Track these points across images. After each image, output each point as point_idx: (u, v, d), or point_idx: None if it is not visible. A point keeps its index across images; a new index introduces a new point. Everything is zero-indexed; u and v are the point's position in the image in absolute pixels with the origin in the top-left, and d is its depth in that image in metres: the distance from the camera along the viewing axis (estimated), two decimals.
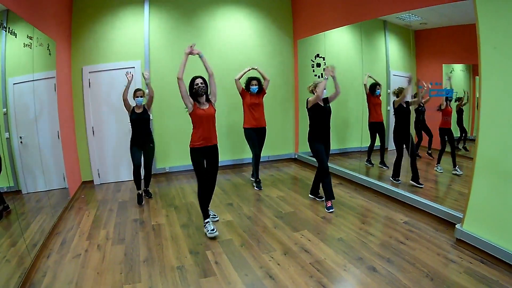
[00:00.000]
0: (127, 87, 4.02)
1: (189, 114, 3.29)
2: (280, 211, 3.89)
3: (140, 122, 4.10)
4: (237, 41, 5.71)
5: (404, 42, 4.58)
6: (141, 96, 4.10)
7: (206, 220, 3.34)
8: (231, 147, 5.83)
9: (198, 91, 3.23)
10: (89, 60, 4.74)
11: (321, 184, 4.10)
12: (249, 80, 4.63)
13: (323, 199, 4.10)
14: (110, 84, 4.84)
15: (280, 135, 6.18)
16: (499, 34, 2.53)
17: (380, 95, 4.61)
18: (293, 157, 6.50)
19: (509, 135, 2.54)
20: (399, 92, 4.06)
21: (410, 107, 4.03)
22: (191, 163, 3.43)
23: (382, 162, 4.83)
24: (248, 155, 5.60)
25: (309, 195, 4.30)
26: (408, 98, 4.01)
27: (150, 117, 4.23)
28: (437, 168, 4.21)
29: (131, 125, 4.12)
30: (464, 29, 3.66)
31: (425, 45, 4.07)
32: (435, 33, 3.97)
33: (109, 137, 4.95)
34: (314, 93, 3.88)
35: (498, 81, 2.56)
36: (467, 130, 4.03)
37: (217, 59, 5.46)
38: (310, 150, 4.09)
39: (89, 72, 4.71)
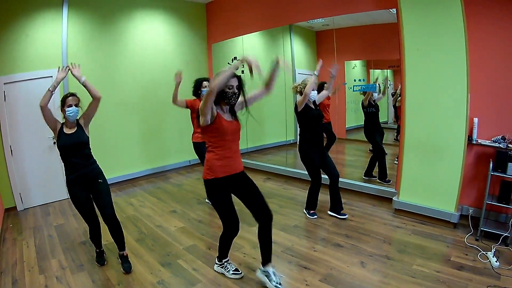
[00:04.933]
0: (52, 91, 2.58)
1: (204, 127, 2.27)
2: None
3: (76, 148, 2.65)
4: (154, 45, 5.68)
5: (307, 43, 5.13)
6: (75, 105, 2.66)
7: (225, 259, 2.69)
8: (150, 155, 5.78)
9: (230, 98, 2.26)
10: (4, 69, 4.06)
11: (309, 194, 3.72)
12: (200, 82, 3.87)
13: (346, 216, 3.61)
14: (28, 96, 4.22)
15: None
16: (420, 37, 3.15)
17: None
18: None
19: (430, 120, 3.22)
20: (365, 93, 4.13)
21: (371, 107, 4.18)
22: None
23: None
24: (169, 161, 5.97)
25: (329, 211, 3.72)
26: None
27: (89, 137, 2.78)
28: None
29: (61, 154, 2.66)
30: (362, 29, 4.34)
31: (327, 44, 4.55)
32: (337, 33, 4.43)
33: (30, 155, 4.33)
34: (302, 93, 3.39)
35: (419, 77, 3.20)
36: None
37: (135, 64, 5.43)
38: (301, 160, 3.63)
39: (4, 84, 4.03)
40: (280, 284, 2.37)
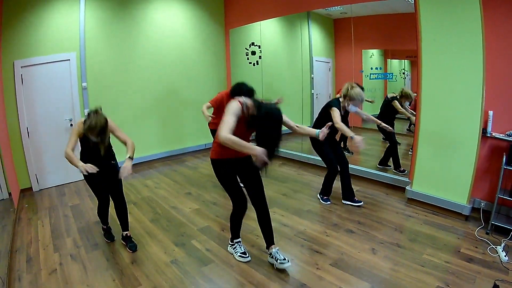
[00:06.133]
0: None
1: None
2: None
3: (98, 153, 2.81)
4: (172, 30, 5.70)
5: (325, 30, 5.10)
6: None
7: (236, 240, 2.74)
8: (167, 138, 5.88)
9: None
10: (21, 53, 4.10)
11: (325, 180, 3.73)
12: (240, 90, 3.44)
13: (361, 202, 3.63)
14: (44, 79, 4.29)
15: None
16: (436, 28, 3.11)
17: None
18: None
19: (445, 111, 3.19)
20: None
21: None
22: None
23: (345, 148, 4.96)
24: (185, 145, 6.08)
25: (343, 201, 3.71)
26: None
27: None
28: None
29: (82, 147, 2.80)
30: (380, 18, 4.28)
31: (345, 33, 4.52)
32: (354, 22, 4.40)
33: (46, 137, 4.41)
34: (345, 99, 3.37)
35: (435, 68, 3.17)
36: None
37: (152, 48, 5.47)
38: (316, 152, 3.71)
39: (21, 67, 4.08)
40: (285, 259, 2.46)
